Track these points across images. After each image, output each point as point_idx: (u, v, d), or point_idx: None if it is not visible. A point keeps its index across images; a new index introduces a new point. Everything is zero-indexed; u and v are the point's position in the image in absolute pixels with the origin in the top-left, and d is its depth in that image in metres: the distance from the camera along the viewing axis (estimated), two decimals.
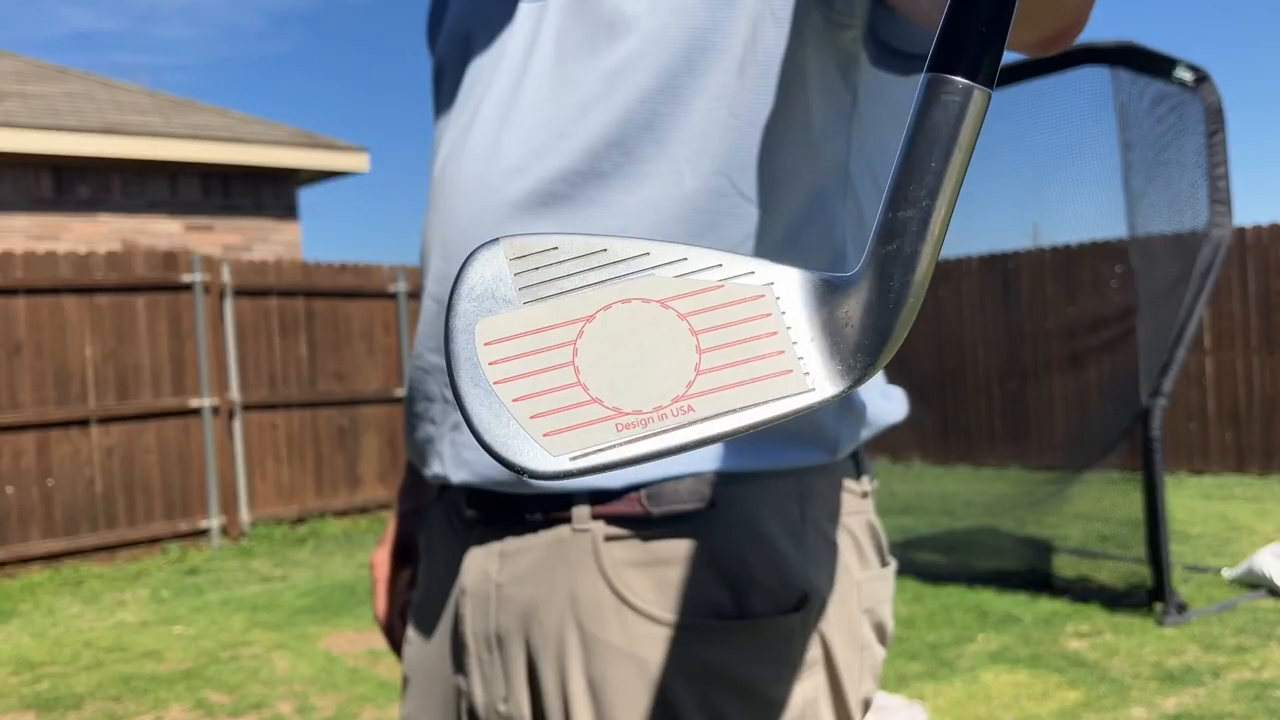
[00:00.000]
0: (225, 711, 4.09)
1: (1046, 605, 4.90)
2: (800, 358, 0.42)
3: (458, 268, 0.46)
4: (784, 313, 0.43)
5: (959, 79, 0.41)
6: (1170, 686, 3.79)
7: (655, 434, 0.41)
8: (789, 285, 0.43)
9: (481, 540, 0.93)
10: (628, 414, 0.41)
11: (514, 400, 0.42)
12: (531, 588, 0.88)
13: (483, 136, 0.91)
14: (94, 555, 7.16)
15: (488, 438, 0.42)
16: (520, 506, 0.89)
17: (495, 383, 0.42)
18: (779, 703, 0.84)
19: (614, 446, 0.41)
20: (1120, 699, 3.70)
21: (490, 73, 0.93)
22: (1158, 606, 4.62)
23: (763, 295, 0.43)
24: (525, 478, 0.48)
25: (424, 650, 1.02)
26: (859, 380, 0.42)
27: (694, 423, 0.41)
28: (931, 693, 3.85)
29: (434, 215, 0.96)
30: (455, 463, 0.93)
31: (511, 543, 0.90)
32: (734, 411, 0.42)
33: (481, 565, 0.92)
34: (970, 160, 0.41)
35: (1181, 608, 4.60)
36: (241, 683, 4.43)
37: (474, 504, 0.93)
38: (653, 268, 0.43)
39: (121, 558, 7.27)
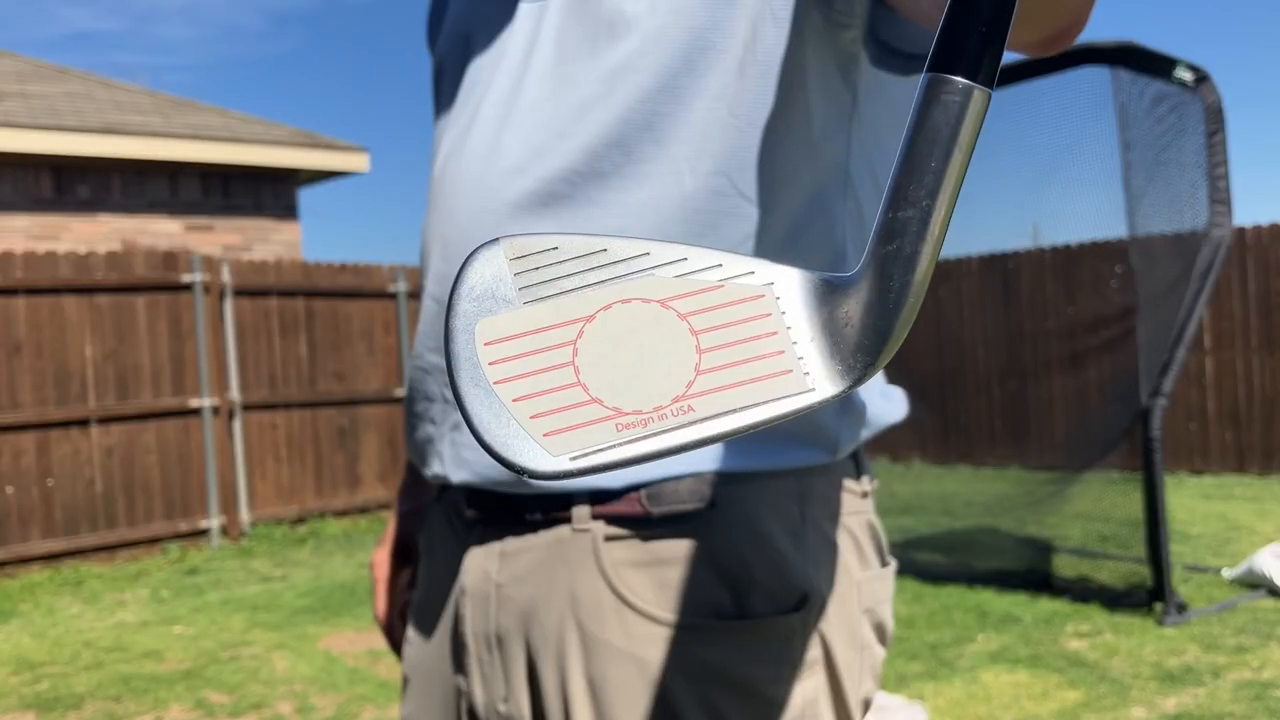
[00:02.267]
0: (225, 711, 4.09)
1: (1046, 605, 4.90)
2: (800, 358, 0.42)
3: (458, 268, 0.46)
4: (784, 313, 0.43)
5: (959, 79, 0.41)
6: (1170, 686, 3.79)
7: (655, 434, 0.41)
8: (789, 285, 0.43)
9: (481, 540, 0.93)
10: (628, 414, 0.41)
11: (514, 400, 0.42)
12: (531, 588, 0.88)
13: (483, 136, 0.91)
14: (94, 555, 7.16)
15: (488, 438, 0.42)
16: (520, 506, 0.89)
17: (495, 383, 0.42)
18: (779, 703, 0.84)
19: (614, 446, 0.41)
20: (1120, 699, 3.70)
21: (490, 73, 0.93)
22: (1158, 606, 4.62)
23: (763, 295, 0.43)
24: (525, 478, 0.48)
25: (424, 650, 1.02)
26: (859, 380, 0.42)
27: (694, 423, 0.41)
28: (931, 693, 3.85)
29: (434, 215, 0.96)
30: (455, 463, 0.93)
31: (511, 543, 0.90)
32: (734, 411, 0.42)
33: (481, 565, 0.92)
34: (970, 160, 0.41)
35: (1181, 608, 4.60)
36: (241, 683, 4.43)
37: (474, 504, 0.93)
38: (653, 268, 0.43)
39: (121, 558, 7.27)
